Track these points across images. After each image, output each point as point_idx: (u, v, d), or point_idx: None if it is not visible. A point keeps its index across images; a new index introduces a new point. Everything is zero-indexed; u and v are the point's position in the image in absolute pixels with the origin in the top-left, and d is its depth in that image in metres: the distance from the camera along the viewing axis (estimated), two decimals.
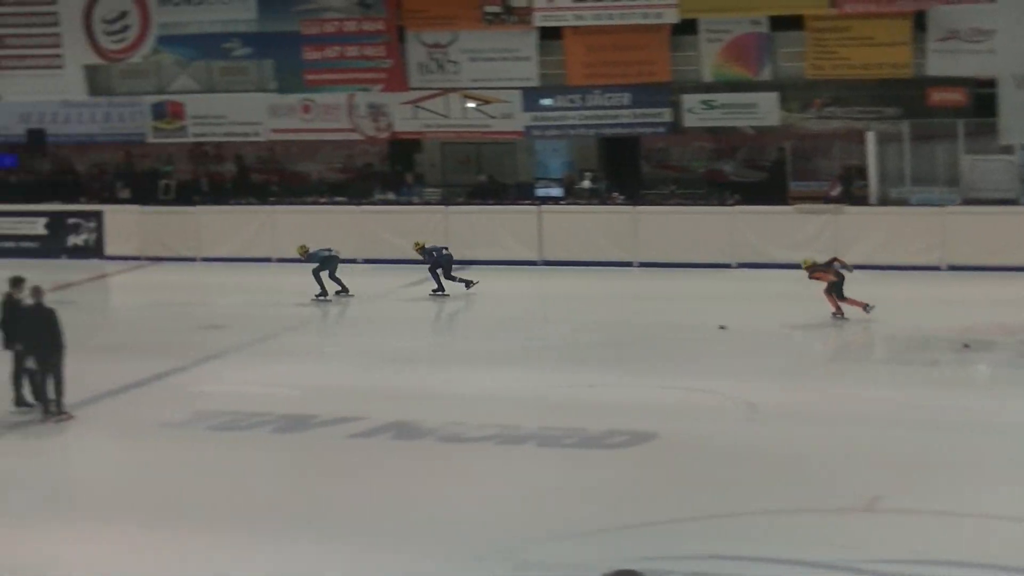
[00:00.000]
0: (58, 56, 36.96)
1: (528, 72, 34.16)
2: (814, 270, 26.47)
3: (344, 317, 28.35)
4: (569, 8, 33.31)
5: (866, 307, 26.07)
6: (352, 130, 35.56)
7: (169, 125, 36.70)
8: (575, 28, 33.60)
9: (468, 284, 29.84)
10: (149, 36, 36.28)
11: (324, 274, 29.75)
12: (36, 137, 37.43)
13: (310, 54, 35.13)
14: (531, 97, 34.27)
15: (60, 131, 37.52)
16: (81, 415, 20.74)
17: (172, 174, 36.82)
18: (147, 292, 31.46)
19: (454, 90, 34.59)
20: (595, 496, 16.47)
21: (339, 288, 29.97)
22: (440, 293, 29.77)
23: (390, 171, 36.38)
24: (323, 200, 35.37)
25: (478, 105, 34.50)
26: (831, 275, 26.28)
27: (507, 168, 35.99)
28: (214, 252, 34.29)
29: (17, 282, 21.50)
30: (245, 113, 36.12)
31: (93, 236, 35.38)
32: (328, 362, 24.17)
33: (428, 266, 30.02)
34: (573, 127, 34.34)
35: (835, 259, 26.76)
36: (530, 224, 33.02)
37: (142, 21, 36.17)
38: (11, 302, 21.32)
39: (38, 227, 35.69)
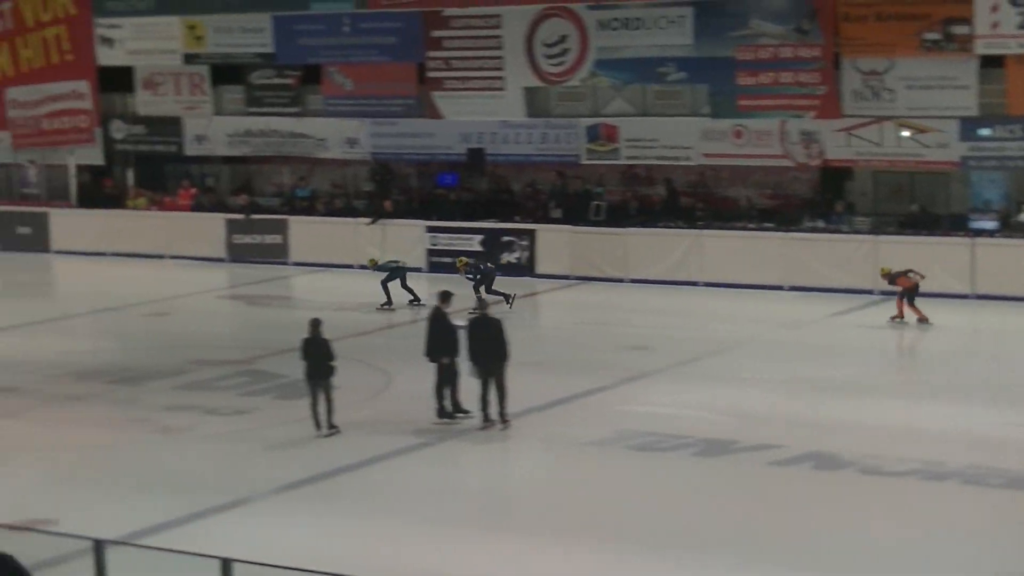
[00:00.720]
0: (500, 78, 38.12)
1: (966, 101, 33.30)
2: (894, 277, 29.31)
3: (765, 343, 28.29)
4: (1013, 36, 32.31)
5: (926, 320, 28.79)
6: (783, 156, 35.42)
7: (603, 147, 37.38)
8: (1019, 56, 32.60)
9: (508, 299, 31.25)
10: (587, 60, 37.01)
11: (394, 284, 31.69)
12: (476, 156, 38.69)
13: (744, 79, 35.18)
14: (968, 127, 33.39)
15: (498, 151, 38.66)
16: (509, 429, 21.41)
17: (603, 196, 37.43)
18: (575, 311, 32.13)
19: (889, 118, 34.01)
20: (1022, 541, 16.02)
21: (411, 297, 31.80)
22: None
23: (820, 198, 36.08)
24: (751, 226, 35.35)
25: (913, 134, 33.85)
26: (909, 282, 29.04)
27: (940, 199, 35.16)
28: (641, 274, 34.71)
29: (446, 297, 22.32)
30: (677, 137, 36.44)
31: (526, 254, 36.33)
32: (749, 388, 24.17)
33: (473, 284, 31.22)
34: (1012, 159, 33.29)
35: (910, 270, 29.34)
36: (962, 256, 32.17)
37: (581, 45, 36.94)
38: (439, 315, 22.12)
39: (474, 244, 36.90)
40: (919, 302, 29.13)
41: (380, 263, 32.70)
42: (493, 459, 21.08)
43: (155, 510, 17.62)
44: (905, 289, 29.23)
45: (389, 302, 31.74)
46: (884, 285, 30.46)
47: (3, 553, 6.33)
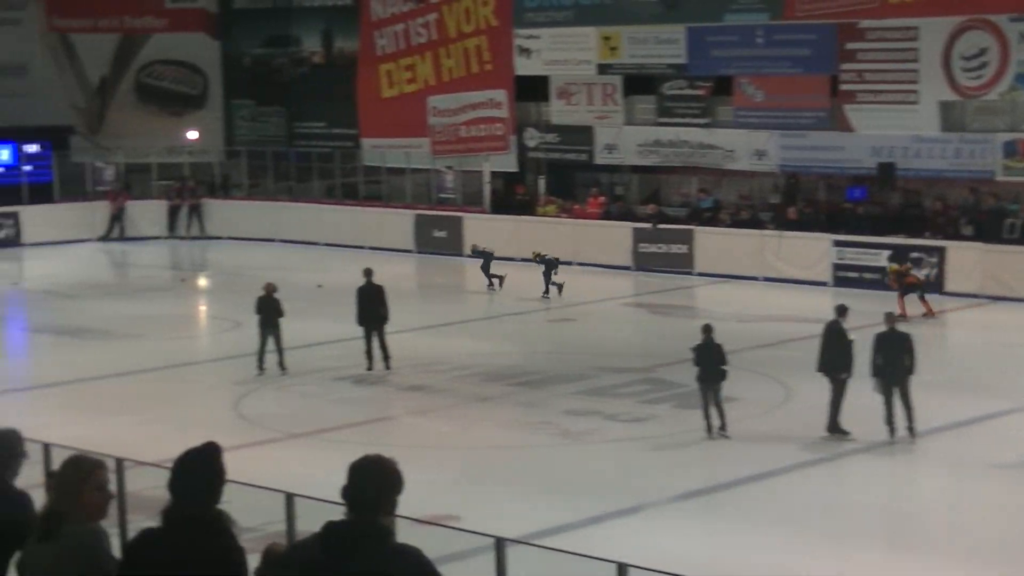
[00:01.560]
0: (914, 92, 37.38)
1: None
2: (903, 276, 31.61)
3: None
4: None
5: (906, 316, 30.13)
6: None
7: (1020, 164, 36.19)
8: None
9: (500, 281, 35.91)
10: (1007, 73, 35.90)
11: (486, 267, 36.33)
12: (886, 170, 38.00)
13: None
14: None
15: (909, 165, 37.87)
16: (912, 447, 21.08)
17: (1018, 213, 36.28)
18: (984, 331, 31.28)
19: None
20: None
21: (488, 282, 36.29)
22: (546, 296, 35.03)
23: None
24: None
25: None
26: (917, 279, 31.53)
27: None
28: None
29: (843, 310, 22.08)
30: None
31: (934, 271, 35.48)
32: None
33: (543, 270, 35.07)
34: None
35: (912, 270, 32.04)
36: None
37: (1001, 58, 35.87)
38: (836, 329, 21.87)
39: (880, 259, 36.25)
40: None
41: (479, 249, 37.42)
42: (894, 476, 20.79)
43: (554, 512, 18.08)
44: (910, 285, 31.50)
45: (491, 283, 36.23)
46: None
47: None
